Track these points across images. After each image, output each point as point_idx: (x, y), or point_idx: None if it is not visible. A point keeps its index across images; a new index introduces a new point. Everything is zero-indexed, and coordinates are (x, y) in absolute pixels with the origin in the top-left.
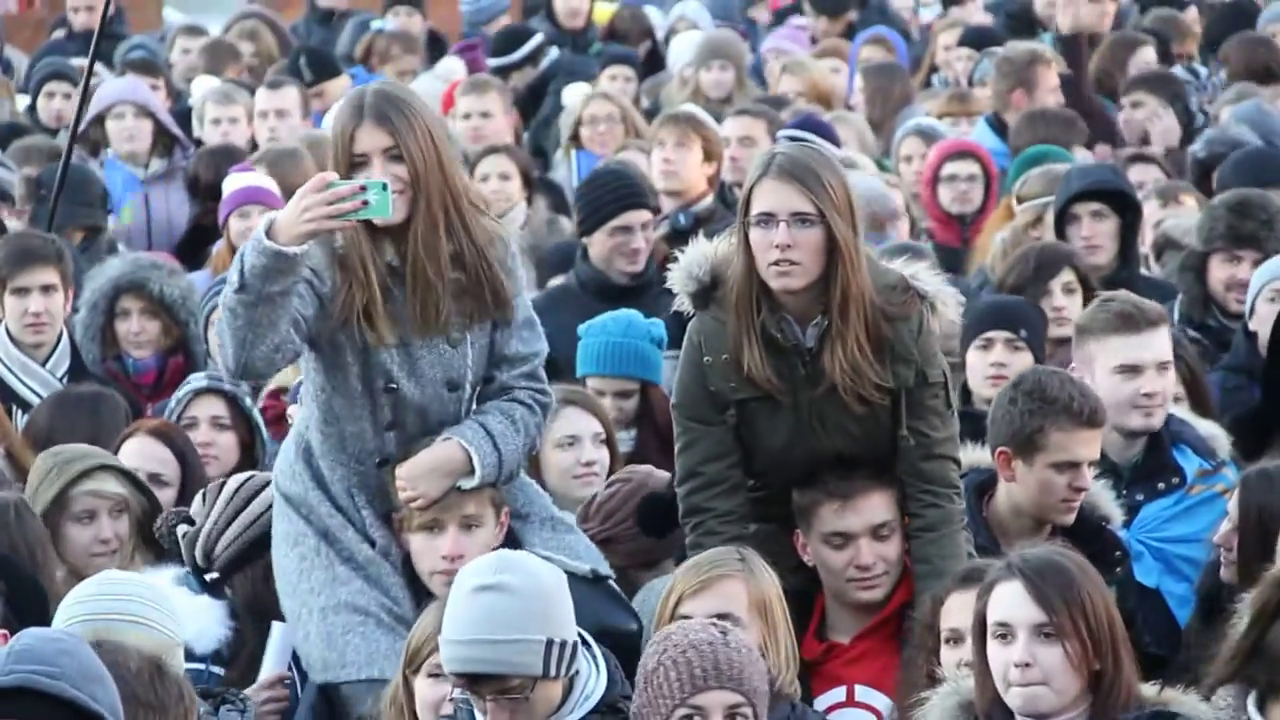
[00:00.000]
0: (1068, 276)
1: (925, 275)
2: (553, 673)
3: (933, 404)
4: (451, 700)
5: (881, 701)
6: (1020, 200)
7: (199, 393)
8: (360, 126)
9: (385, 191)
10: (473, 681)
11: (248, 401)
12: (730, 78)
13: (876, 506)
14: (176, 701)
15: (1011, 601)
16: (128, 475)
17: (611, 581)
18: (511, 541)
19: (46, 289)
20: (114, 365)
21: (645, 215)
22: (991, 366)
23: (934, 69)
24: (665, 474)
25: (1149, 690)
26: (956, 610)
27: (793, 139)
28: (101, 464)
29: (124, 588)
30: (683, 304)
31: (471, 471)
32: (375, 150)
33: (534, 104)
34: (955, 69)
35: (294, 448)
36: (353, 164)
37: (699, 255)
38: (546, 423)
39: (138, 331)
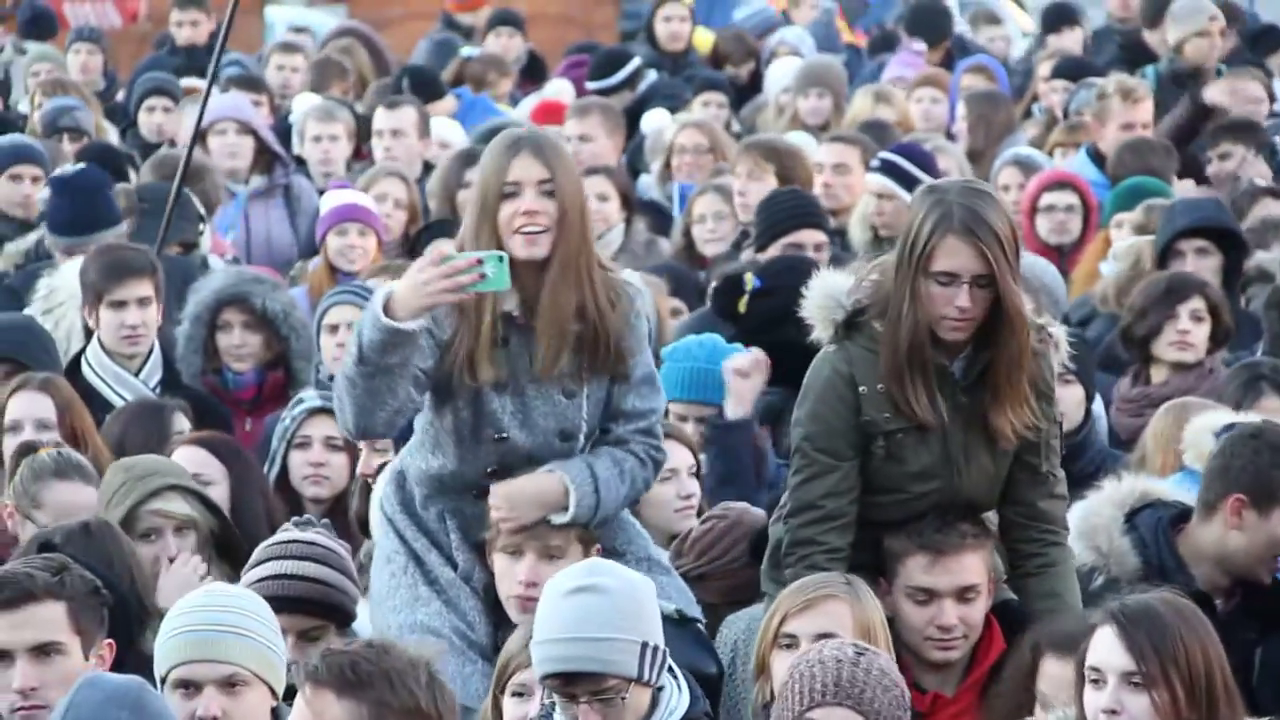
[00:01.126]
0: (1197, 304)
1: (1045, 317)
2: (646, 676)
3: (1054, 443)
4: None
5: None
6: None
7: (313, 412)
8: (517, 156)
9: (502, 264)
10: (566, 682)
11: None
12: (828, 105)
13: (968, 567)
14: (449, 711)
15: (1104, 647)
16: (196, 494)
17: (699, 625)
18: None
19: (143, 301)
20: (213, 379)
21: (819, 236)
22: None
23: (1035, 99)
24: (760, 511)
25: None
26: (1052, 670)
27: (888, 164)
28: (170, 484)
29: (228, 599)
30: (821, 334)
31: (565, 508)
32: (530, 181)
33: (632, 127)
34: (1051, 100)
35: (392, 471)
36: (503, 194)
37: (836, 285)
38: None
39: (239, 345)
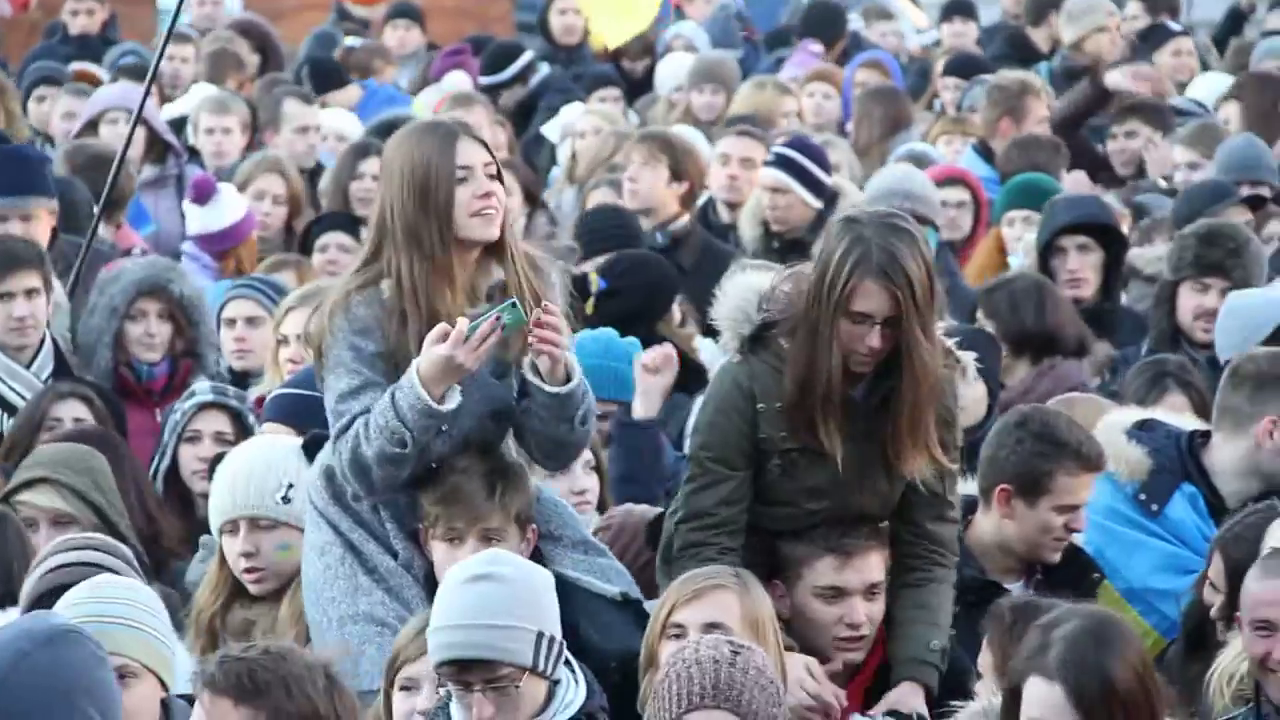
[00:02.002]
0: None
1: (952, 344)
2: (541, 666)
3: (952, 469)
4: (422, 714)
5: None
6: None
7: (204, 406)
8: (460, 140)
9: (516, 309)
10: (461, 670)
11: (251, 419)
12: (721, 101)
13: (874, 566)
14: (349, 712)
15: (1050, 702)
16: (71, 488)
17: (641, 606)
18: (540, 562)
19: (30, 293)
20: (126, 371)
21: None
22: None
23: (935, 95)
24: (649, 509)
25: None
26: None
27: (782, 159)
28: (41, 477)
29: (119, 592)
30: (729, 344)
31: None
32: (478, 163)
33: (523, 122)
34: (945, 97)
35: (320, 470)
36: (457, 178)
37: (749, 294)
38: None
39: (153, 334)
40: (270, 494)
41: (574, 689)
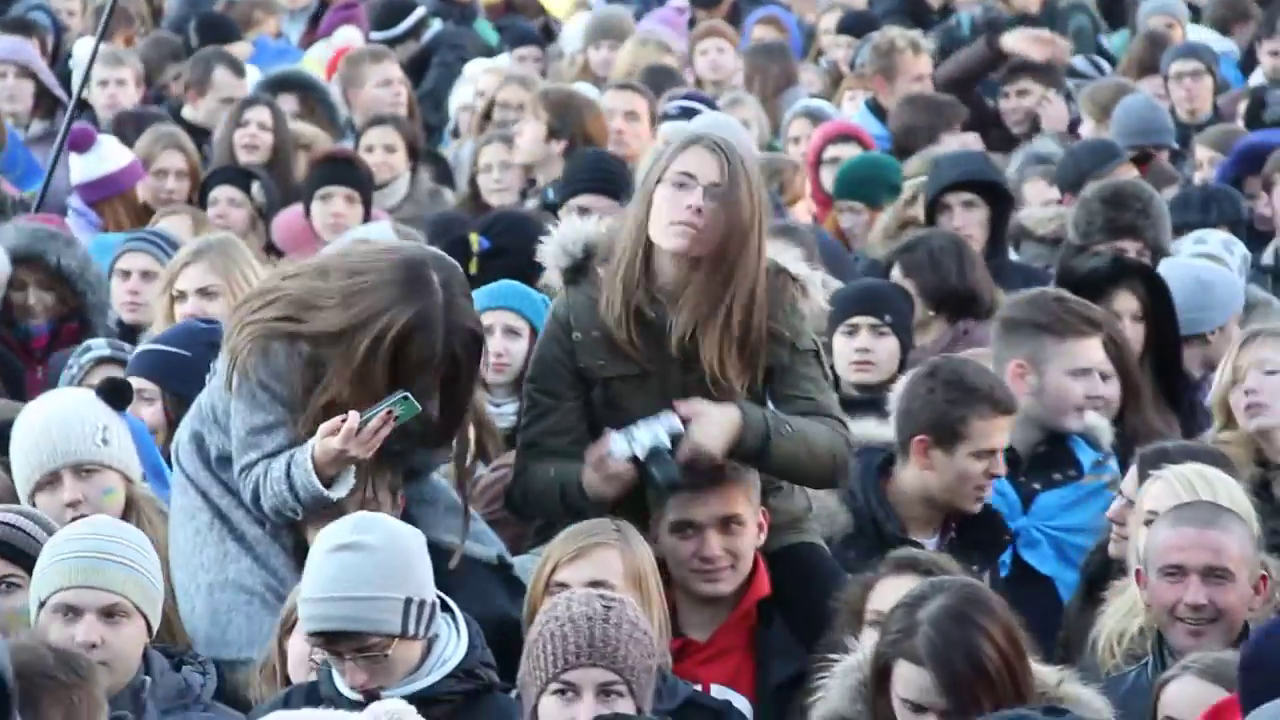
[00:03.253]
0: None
1: (793, 261)
2: (411, 632)
3: (805, 370)
4: (313, 661)
5: (737, 700)
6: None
7: (100, 361)
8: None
9: (408, 400)
10: (331, 640)
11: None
12: (616, 57)
13: (728, 498)
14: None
15: (920, 686)
16: None
17: (513, 570)
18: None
19: None
20: (5, 331)
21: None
22: (856, 352)
23: (820, 53)
24: None
25: (1050, 676)
26: (887, 594)
27: (687, 111)
28: None
29: (114, 530)
30: (551, 278)
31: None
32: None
33: (416, 78)
34: (836, 55)
35: (189, 436)
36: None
37: (573, 231)
38: None
39: (34, 303)
40: (89, 438)
41: (455, 643)
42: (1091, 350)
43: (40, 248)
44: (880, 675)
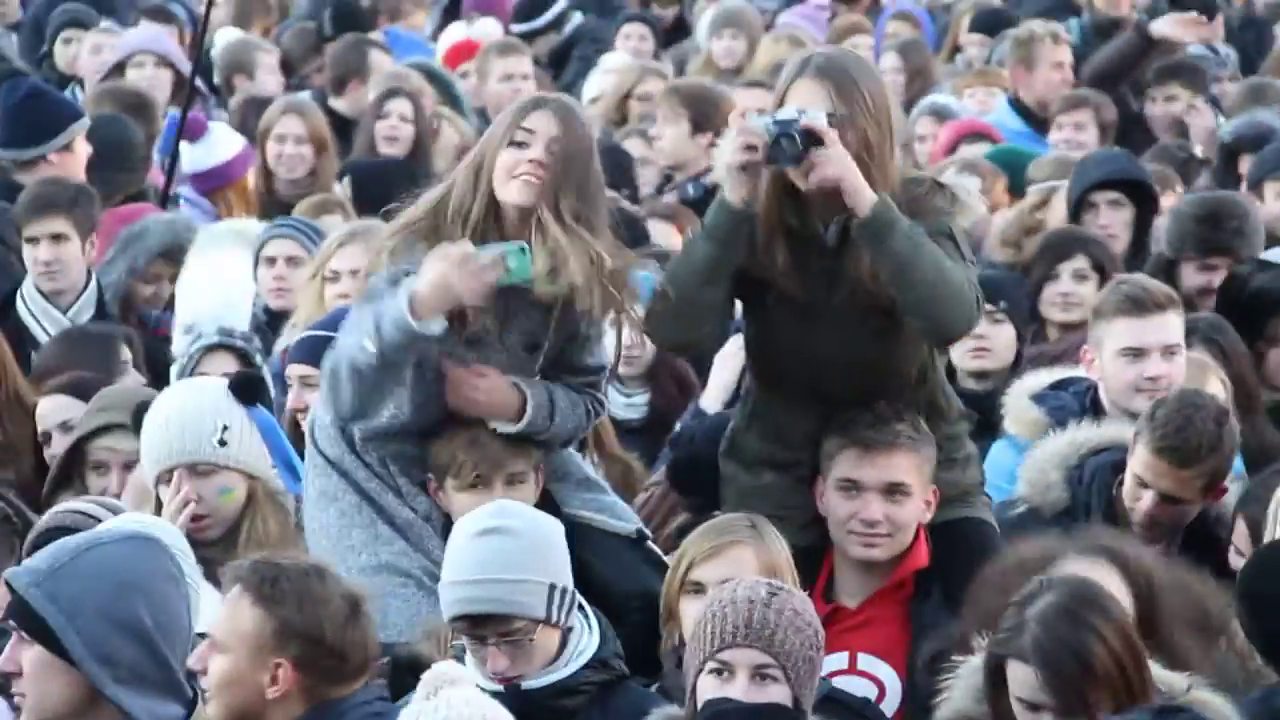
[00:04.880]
0: (1080, 263)
1: (949, 174)
2: (554, 618)
3: (938, 240)
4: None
5: (885, 672)
6: (1029, 183)
7: (210, 349)
8: (538, 109)
9: (525, 255)
10: (475, 624)
11: (259, 359)
12: (742, 47)
13: (898, 465)
14: (358, 649)
15: (1030, 684)
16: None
17: (652, 543)
18: (549, 502)
19: (56, 238)
20: (133, 321)
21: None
22: (972, 339)
23: (957, 49)
24: None
25: (1179, 682)
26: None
27: None
28: (117, 422)
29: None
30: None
31: (515, 420)
32: (544, 135)
33: (557, 70)
34: (971, 53)
35: (332, 417)
36: (513, 141)
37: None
38: None
39: (162, 296)
40: (206, 438)
41: (587, 636)
42: (1145, 331)
43: (187, 239)
44: (995, 673)
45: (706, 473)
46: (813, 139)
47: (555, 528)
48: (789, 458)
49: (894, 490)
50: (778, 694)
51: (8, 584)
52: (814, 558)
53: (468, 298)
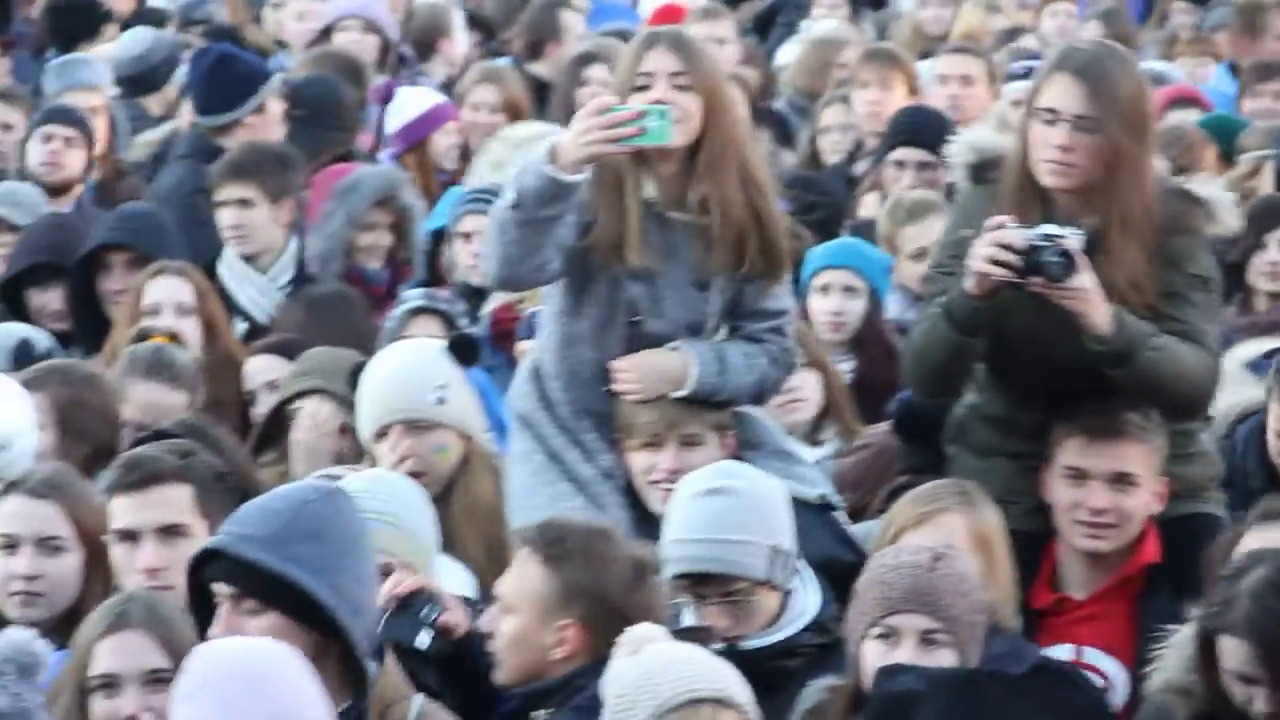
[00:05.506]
0: None
1: (1202, 183)
2: (776, 579)
3: (1190, 295)
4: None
5: (1112, 668)
6: (1241, 152)
7: (415, 312)
8: (653, 48)
9: (665, 118)
10: (695, 583)
11: (463, 322)
12: (949, 15)
13: (1126, 455)
14: (642, 611)
15: (1242, 657)
16: (341, 398)
17: (838, 513)
18: None
19: (243, 203)
20: (355, 274)
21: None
22: None
23: (1165, 16)
24: None
25: None
26: (1253, 545)
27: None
28: (315, 387)
29: (391, 488)
30: (957, 175)
31: (682, 385)
32: (662, 73)
33: (762, 35)
34: (1178, 22)
35: (526, 369)
36: (635, 87)
37: (984, 134)
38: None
39: (380, 245)
40: (424, 395)
41: (806, 598)
42: None
43: (398, 187)
44: (1205, 648)
45: (934, 420)
46: (1072, 265)
47: (778, 490)
48: (1019, 448)
49: (1121, 480)
50: (945, 659)
51: (226, 553)
52: (1038, 544)
53: (603, 149)
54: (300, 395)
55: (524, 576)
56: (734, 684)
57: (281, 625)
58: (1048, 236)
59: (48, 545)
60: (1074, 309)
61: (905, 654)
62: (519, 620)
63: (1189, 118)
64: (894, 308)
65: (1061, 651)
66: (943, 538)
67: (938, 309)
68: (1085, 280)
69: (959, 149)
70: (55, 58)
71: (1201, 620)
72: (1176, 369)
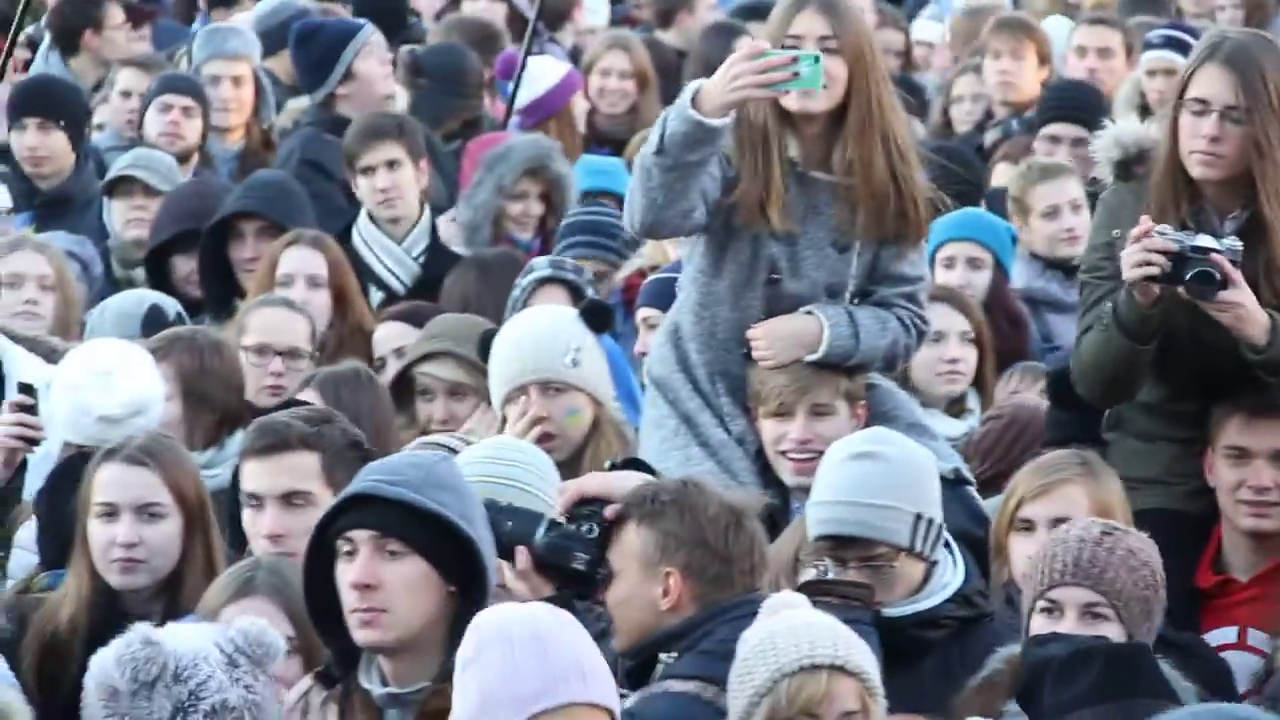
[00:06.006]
0: None
1: None
2: (918, 547)
3: None
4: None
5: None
6: None
7: (542, 282)
8: (802, 11)
9: (817, 65)
10: (838, 546)
11: (590, 290)
12: None
13: None
14: (744, 555)
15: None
16: (472, 362)
17: (970, 488)
18: None
19: (391, 164)
20: (507, 242)
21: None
22: None
23: None
24: (1039, 401)
25: None
26: None
27: (1171, 40)
28: (442, 349)
29: (515, 454)
30: (1103, 171)
31: (815, 348)
32: (811, 36)
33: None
34: None
35: (664, 331)
36: (783, 49)
37: (1129, 128)
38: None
39: (531, 214)
40: (559, 357)
41: (952, 570)
42: None
43: (549, 156)
44: None
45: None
46: (1225, 281)
47: (928, 459)
48: (1181, 434)
49: None
50: (1110, 632)
51: (376, 495)
52: (1203, 528)
53: (752, 93)
54: (428, 358)
55: (624, 540)
56: (857, 652)
57: (422, 571)
58: (1197, 249)
59: (146, 512)
60: (1227, 323)
61: (1068, 626)
62: (625, 582)
63: None
64: (1022, 276)
65: (1225, 633)
66: (1064, 508)
67: (1107, 320)
68: (1237, 295)
69: (1104, 145)
70: (205, 24)
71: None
72: None
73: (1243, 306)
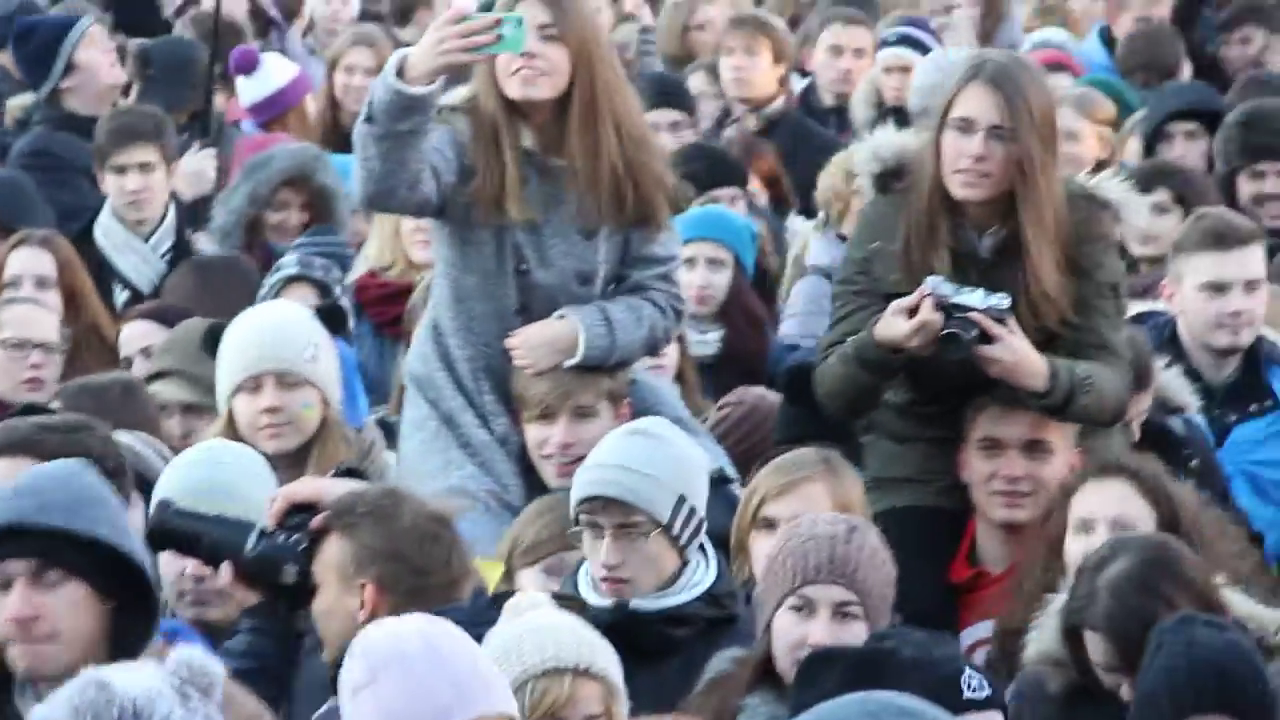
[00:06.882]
0: (1160, 196)
1: (1110, 184)
2: (676, 529)
3: (1101, 305)
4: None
5: None
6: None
7: (290, 280)
8: (521, 2)
9: (520, 27)
10: (598, 510)
11: (337, 290)
12: None
13: (1038, 422)
14: (441, 567)
15: (1104, 651)
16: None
17: (732, 487)
18: None
19: (144, 167)
20: (260, 253)
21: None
22: None
23: None
24: (775, 395)
25: (1270, 621)
26: (1091, 496)
27: (905, 37)
28: (173, 369)
29: (228, 457)
30: (862, 185)
31: (574, 352)
32: (531, 24)
33: None
34: None
35: (425, 328)
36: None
37: (888, 140)
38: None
39: (291, 224)
40: (300, 350)
41: (704, 570)
42: (1227, 265)
43: (312, 167)
44: (1071, 635)
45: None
46: (985, 337)
47: (700, 455)
48: (935, 433)
49: (1035, 447)
50: (858, 631)
51: (27, 526)
52: (957, 523)
53: (456, 58)
54: (158, 376)
55: (326, 552)
56: (600, 655)
57: (83, 594)
58: (958, 306)
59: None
60: (995, 375)
61: (820, 625)
62: (327, 594)
63: (1061, 83)
64: (825, 254)
65: (984, 627)
66: (806, 506)
67: (850, 353)
68: (1001, 351)
69: (863, 158)
70: None
71: (1065, 614)
72: (1105, 403)
73: (1010, 361)
